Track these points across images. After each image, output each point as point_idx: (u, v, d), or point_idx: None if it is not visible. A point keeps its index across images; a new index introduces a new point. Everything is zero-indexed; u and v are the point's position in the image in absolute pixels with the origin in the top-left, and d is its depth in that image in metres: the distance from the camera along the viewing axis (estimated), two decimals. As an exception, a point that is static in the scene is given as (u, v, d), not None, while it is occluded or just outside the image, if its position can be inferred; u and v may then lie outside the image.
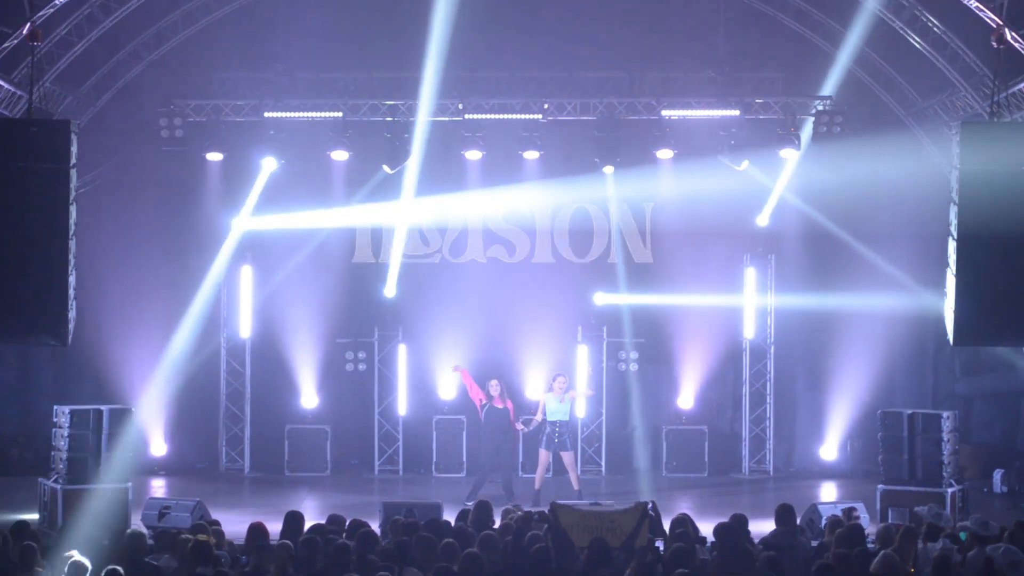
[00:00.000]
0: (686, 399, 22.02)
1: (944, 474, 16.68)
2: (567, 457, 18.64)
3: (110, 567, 10.09)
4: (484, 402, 18.74)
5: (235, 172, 21.17)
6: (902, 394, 21.39)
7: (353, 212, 21.67)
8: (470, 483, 18.97)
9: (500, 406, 18.72)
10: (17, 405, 21.88)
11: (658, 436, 21.95)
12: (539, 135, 20.47)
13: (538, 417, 18.74)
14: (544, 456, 18.63)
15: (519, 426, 18.86)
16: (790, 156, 20.67)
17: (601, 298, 21.78)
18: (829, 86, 20.30)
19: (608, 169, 20.83)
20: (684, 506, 17.40)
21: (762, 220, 21.56)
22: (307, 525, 12.25)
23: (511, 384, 21.19)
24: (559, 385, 18.62)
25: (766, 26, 21.09)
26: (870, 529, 13.64)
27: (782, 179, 21.14)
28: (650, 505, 14.05)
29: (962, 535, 12.10)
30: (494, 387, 18.83)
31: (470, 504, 17.67)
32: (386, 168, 20.67)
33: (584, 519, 11.29)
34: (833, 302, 21.32)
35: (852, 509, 14.42)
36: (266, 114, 20.53)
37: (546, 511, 11.89)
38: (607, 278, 21.79)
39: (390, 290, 21.78)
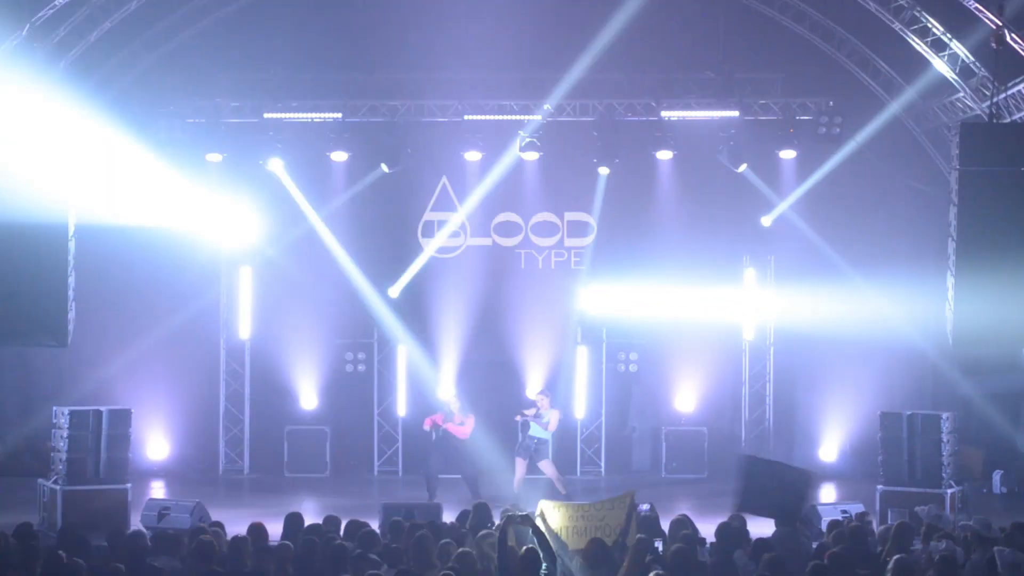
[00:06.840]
0: (685, 400, 21.99)
1: (944, 475, 16.67)
2: (547, 466, 18.54)
3: (112, 565, 10.12)
4: (439, 424, 18.57)
5: (235, 173, 21.17)
6: (901, 395, 21.35)
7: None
8: (464, 486, 18.86)
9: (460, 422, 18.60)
10: (17, 406, 21.85)
11: (658, 437, 21.95)
12: (539, 135, 20.48)
13: (529, 412, 18.64)
14: (521, 464, 18.57)
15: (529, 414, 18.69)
16: (789, 157, 20.76)
17: (602, 298, 21.77)
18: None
19: (603, 170, 20.86)
20: (684, 507, 17.34)
21: (764, 221, 21.56)
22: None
23: (510, 384, 21.20)
24: (542, 402, 18.54)
25: (765, 27, 21.10)
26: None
27: (781, 180, 21.20)
28: (649, 507, 14.05)
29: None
30: (454, 403, 18.71)
31: (437, 501, 17.75)
32: (384, 167, 20.75)
33: (573, 519, 11.25)
34: (832, 303, 21.30)
35: (865, 514, 14.37)
36: (266, 115, 20.56)
37: (531, 513, 11.82)
38: (607, 279, 21.77)
39: (395, 291, 21.77)
